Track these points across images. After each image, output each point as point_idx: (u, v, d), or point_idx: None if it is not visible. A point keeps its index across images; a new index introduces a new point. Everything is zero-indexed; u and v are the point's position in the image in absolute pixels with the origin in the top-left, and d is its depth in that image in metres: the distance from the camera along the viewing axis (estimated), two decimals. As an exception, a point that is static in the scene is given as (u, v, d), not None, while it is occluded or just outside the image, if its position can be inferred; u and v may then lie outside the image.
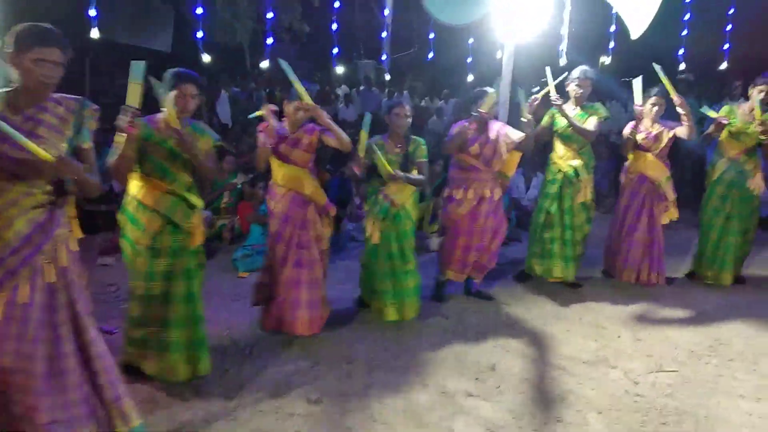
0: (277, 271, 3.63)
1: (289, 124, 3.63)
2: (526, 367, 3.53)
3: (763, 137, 4.50)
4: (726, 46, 4.73)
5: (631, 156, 4.73)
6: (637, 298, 4.60)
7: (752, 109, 4.51)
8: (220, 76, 12.86)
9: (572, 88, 4.44)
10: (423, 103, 13.58)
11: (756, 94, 4.50)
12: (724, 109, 4.76)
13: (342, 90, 13.88)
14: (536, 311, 4.36)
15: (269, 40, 6.02)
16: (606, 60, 5.05)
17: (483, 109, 4.09)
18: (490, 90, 4.18)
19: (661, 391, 3.30)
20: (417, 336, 3.87)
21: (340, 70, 11.71)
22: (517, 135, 4.16)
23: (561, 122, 4.54)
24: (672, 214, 4.67)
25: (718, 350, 3.78)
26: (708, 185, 4.89)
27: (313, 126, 3.63)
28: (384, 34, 6.67)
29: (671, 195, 4.64)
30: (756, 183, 4.69)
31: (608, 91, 7.76)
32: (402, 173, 3.84)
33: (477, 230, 4.28)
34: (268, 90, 12.72)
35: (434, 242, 5.90)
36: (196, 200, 3.08)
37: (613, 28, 4.82)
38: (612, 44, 4.88)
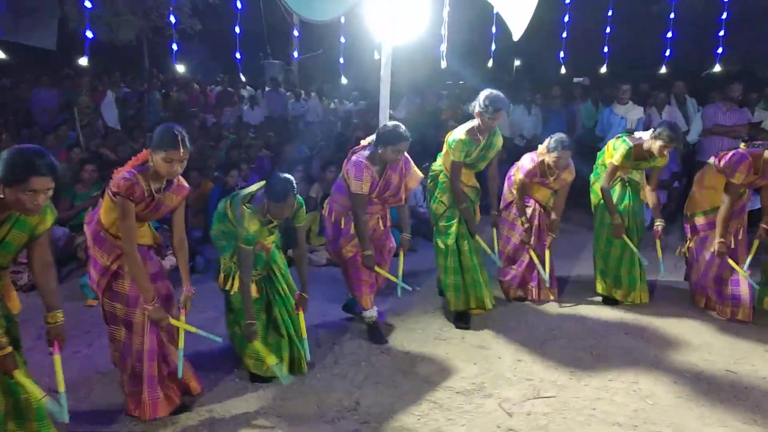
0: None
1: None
2: (394, 403, 3.18)
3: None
4: (606, 49, 4.59)
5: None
6: (525, 315, 4.38)
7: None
8: (110, 77, 11.94)
9: (485, 119, 3.92)
10: (333, 106, 13.21)
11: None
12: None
13: (247, 92, 13.29)
14: (418, 333, 4.04)
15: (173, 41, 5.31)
16: (489, 63, 4.81)
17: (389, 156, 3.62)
18: (403, 133, 3.59)
19: (535, 423, 3.04)
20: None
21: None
22: (416, 180, 3.87)
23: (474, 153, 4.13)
24: (555, 231, 4.47)
25: (599, 370, 3.58)
26: (591, 193, 4.71)
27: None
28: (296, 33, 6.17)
29: (557, 212, 4.45)
30: (645, 197, 4.56)
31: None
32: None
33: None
34: (164, 92, 11.95)
35: (322, 256, 5.51)
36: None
37: (494, 30, 4.57)
38: (494, 47, 4.63)
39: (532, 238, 4.47)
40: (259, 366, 3.31)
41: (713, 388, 3.37)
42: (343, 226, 3.80)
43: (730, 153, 4.16)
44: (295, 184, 3.11)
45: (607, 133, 6.72)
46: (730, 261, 4.20)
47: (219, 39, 12.28)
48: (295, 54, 11.57)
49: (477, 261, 4.17)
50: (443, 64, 4.56)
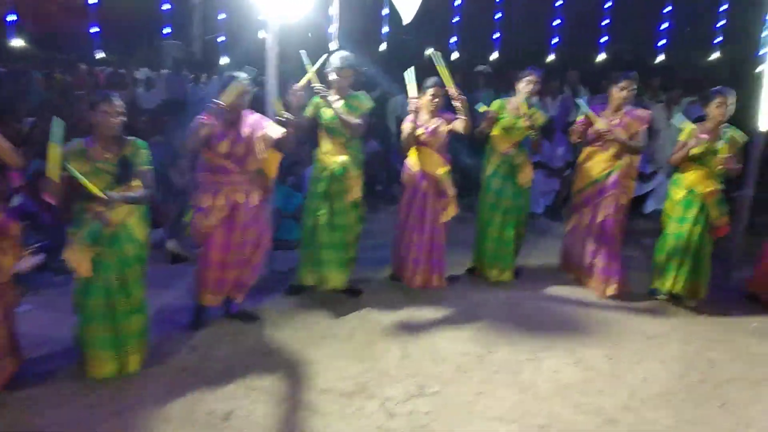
0: None
1: None
2: (269, 412, 2.97)
3: (530, 132, 4.43)
4: (497, 35, 4.54)
5: (413, 151, 4.40)
6: (417, 305, 4.29)
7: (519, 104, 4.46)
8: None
9: (332, 78, 3.96)
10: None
11: (523, 87, 4.43)
12: (495, 103, 4.63)
13: (142, 73, 12.41)
14: (304, 332, 3.83)
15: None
16: (382, 46, 4.63)
17: (226, 100, 3.43)
18: (240, 75, 3.52)
19: (417, 422, 2.94)
20: (140, 389, 3.11)
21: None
22: (276, 131, 3.56)
23: (326, 114, 4.05)
24: (452, 210, 4.46)
25: (485, 361, 3.55)
26: (483, 180, 4.75)
27: None
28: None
29: (451, 191, 4.42)
30: (524, 177, 4.65)
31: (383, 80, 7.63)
32: (117, 194, 3.02)
33: (234, 243, 3.64)
34: (46, 72, 10.88)
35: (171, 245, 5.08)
36: None
37: (386, 11, 4.39)
38: (386, 29, 4.45)
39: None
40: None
41: (591, 376, 3.42)
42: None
43: None
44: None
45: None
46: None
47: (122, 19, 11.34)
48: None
49: (335, 239, 4.15)
50: (333, 46, 4.33)
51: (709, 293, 4.51)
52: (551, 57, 4.90)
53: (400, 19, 4.38)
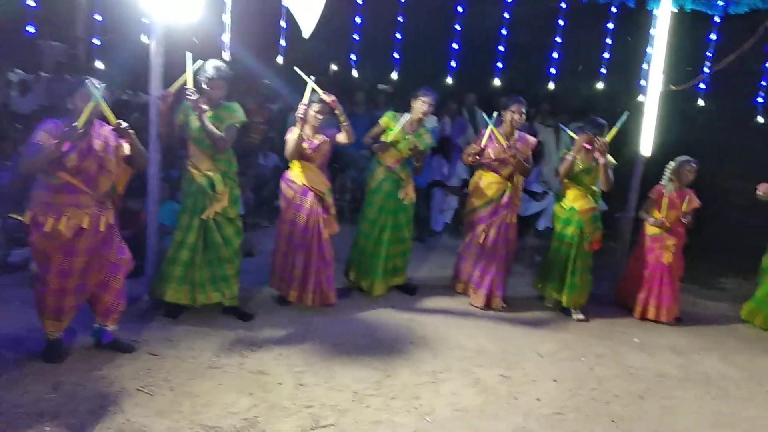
0: None
1: None
2: (143, 457, 2.65)
3: (411, 151, 4.57)
4: (397, 56, 4.53)
5: (296, 165, 4.26)
6: (310, 327, 4.11)
7: (415, 121, 4.59)
8: None
9: (204, 87, 3.77)
10: (126, 97, 11.78)
11: (418, 106, 4.54)
12: (387, 114, 4.67)
13: (16, 75, 11.28)
14: (188, 362, 3.50)
15: None
16: (279, 59, 4.46)
17: (80, 122, 3.06)
18: (91, 83, 3.14)
19: (311, 459, 2.75)
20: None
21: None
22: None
23: (193, 122, 3.83)
24: (334, 227, 4.43)
25: (383, 386, 3.42)
26: (366, 194, 4.75)
27: None
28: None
29: (333, 208, 4.41)
30: (407, 193, 4.69)
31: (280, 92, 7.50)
32: None
33: (75, 270, 3.23)
34: None
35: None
36: None
37: (284, 24, 4.22)
38: (284, 42, 4.28)
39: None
40: None
41: (488, 398, 3.40)
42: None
43: None
44: None
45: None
46: None
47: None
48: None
49: (203, 258, 3.95)
50: (226, 56, 4.10)
51: (596, 308, 4.77)
52: (450, 80, 4.93)
53: (299, 33, 4.22)
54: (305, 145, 4.19)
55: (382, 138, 4.57)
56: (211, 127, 3.74)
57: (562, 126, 4.77)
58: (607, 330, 4.58)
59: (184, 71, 3.70)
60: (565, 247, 4.67)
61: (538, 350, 4.09)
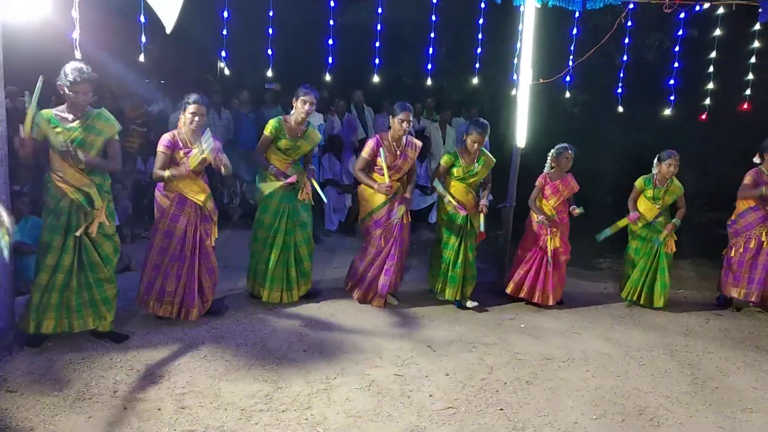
0: None
1: None
2: None
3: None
4: (270, 52, 4.35)
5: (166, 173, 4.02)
6: (193, 343, 3.87)
7: (299, 122, 4.50)
8: None
9: (66, 94, 3.44)
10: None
11: (300, 106, 4.44)
12: (271, 123, 4.49)
13: None
14: (53, 396, 3.14)
15: None
16: (140, 57, 4.12)
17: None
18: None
19: (192, 489, 2.54)
20: None
21: None
22: None
23: (56, 140, 3.45)
24: (214, 233, 4.24)
25: (273, 399, 3.27)
26: (259, 201, 4.61)
27: None
28: None
29: (215, 215, 4.22)
30: (307, 193, 4.59)
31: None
32: None
33: None
34: None
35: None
36: None
37: (143, 19, 3.90)
38: (144, 39, 3.97)
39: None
40: None
41: (381, 400, 3.35)
42: None
43: None
44: None
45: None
46: None
47: None
48: None
49: (79, 281, 3.61)
50: (77, 54, 3.71)
51: (485, 297, 4.92)
52: (328, 77, 4.83)
53: (162, 28, 3.92)
54: (180, 153, 3.95)
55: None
56: (97, 162, 3.54)
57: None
58: (496, 318, 4.71)
59: (30, 73, 3.31)
60: (452, 240, 4.75)
61: (431, 344, 4.11)
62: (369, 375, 3.61)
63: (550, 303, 4.92)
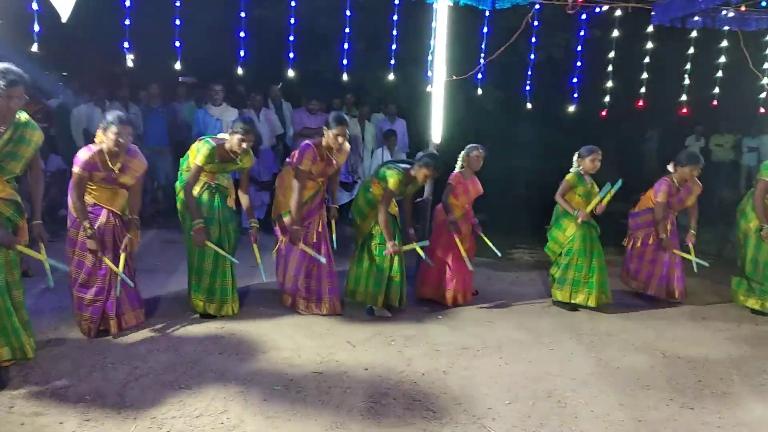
0: None
1: None
2: None
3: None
4: (179, 44, 4.18)
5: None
6: (100, 352, 3.67)
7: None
8: None
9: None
10: None
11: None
12: (200, 153, 4.18)
13: None
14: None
15: None
16: (33, 47, 3.84)
17: None
18: None
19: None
20: None
21: None
22: None
23: None
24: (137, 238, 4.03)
25: (186, 404, 3.15)
26: (181, 211, 4.36)
27: None
28: None
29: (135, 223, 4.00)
30: (233, 199, 4.47)
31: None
32: None
33: None
34: None
35: None
36: None
37: (36, 6, 3.63)
38: (37, 27, 3.70)
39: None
40: None
41: (301, 397, 3.32)
42: None
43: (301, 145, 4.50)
44: None
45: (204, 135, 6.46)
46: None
47: None
48: None
49: (13, 301, 3.24)
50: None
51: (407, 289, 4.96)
52: (240, 71, 4.71)
53: (57, 17, 3.68)
54: (101, 174, 3.72)
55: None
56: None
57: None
58: (416, 311, 4.79)
59: None
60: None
61: (351, 340, 4.12)
62: (287, 374, 3.57)
63: (468, 299, 5.03)
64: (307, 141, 4.47)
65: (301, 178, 4.35)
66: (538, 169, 5.89)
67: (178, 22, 4.19)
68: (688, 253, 5.13)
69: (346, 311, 4.66)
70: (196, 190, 4.23)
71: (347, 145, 4.58)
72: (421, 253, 4.64)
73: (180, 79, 8.61)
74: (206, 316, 4.32)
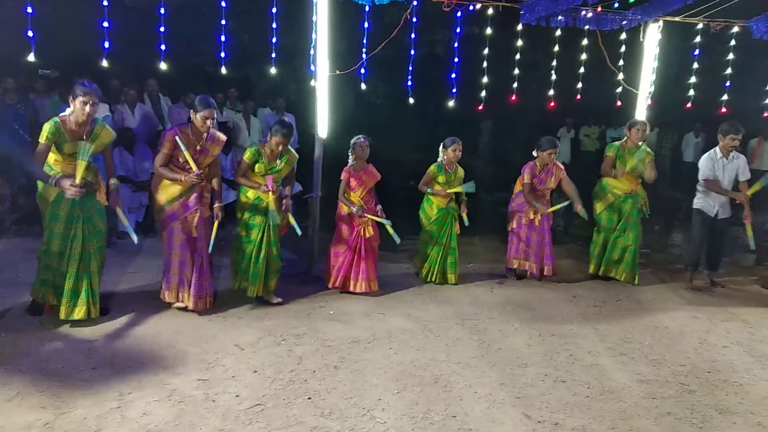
0: None
1: None
2: None
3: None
4: (31, 34, 3.80)
5: None
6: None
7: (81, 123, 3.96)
8: None
9: None
10: None
11: (79, 107, 3.86)
12: (47, 127, 3.87)
13: None
14: None
15: None
16: None
17: None
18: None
19: None
20: None
21: None
22: None
23: None
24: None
25: (55, 427, 2.91)
26: (46, 207, 4.02)
27: None
28: None
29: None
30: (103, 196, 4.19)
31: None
32: None
33: None
34: None
35: None
36: None
37: None
38: None
39: None
40: None
41: (183, 408, 3.16)
42: None
43: None
44: None
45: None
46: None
47: None
48: None
49: None
50: None
51: (296, 288, 4.93)
52: (106, 63, 4.38)
53: None
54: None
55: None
56: None
57: None
58: (306, 308, 4.75)
59: None
60: (252, 235, 4.66)
61: (239, 344, 4.00)
62: (169, 384, 3.40)
63: (366, 290, 5.09)
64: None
65: (160, 159, 4.28)
66: (420, 162, 6.05)
67: (30, 10, 3.80)
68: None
69: (236, 314, 4.53)
70: (55, 190, 3.86)
71: (221, 135, 4.50)
72: (391, 231, 4.93)
73: (39, 72, 7.86)
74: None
